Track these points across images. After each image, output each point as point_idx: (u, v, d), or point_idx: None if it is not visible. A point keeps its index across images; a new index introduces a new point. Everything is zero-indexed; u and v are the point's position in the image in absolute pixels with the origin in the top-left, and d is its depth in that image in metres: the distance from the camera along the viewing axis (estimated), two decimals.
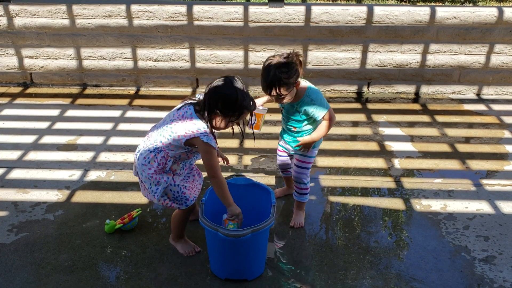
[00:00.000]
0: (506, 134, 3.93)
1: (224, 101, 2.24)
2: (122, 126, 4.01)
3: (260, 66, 4.53)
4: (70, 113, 4.24)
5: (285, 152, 2.87)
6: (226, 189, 2.34)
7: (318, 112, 2.55)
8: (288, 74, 2.39)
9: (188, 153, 2.41)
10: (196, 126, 2.27)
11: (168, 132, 2.34)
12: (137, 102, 4.46)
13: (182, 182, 2.47)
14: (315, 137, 2.64)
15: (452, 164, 3.50)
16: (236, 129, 2.44)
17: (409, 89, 4.66)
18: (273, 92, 2.42)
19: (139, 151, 2.44)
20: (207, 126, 2.28)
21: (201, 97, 2.37)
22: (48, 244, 2.67)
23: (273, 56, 2.45)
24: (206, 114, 2.28)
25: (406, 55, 4.49)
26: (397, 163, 3.50)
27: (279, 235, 2.78)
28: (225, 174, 3.28)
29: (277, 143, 2.93)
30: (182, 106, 2.40)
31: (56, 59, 4.65)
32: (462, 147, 3.73)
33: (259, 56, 4.51)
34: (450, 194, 3.14)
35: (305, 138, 2.66)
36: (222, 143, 3.74)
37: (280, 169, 3.01)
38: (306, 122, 2.64)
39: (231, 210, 2.35)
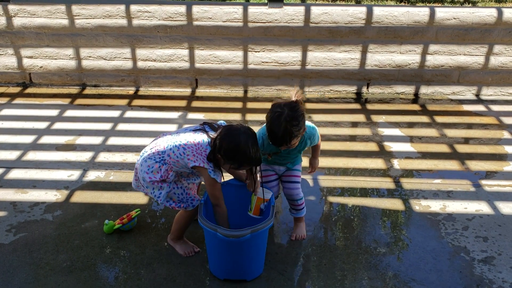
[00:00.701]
0: (505, 134, 3.93)
1: (226, 148, 2.26)
2: (121, 126, 4.00)
3: (259, 67, 4.59)
4: (69, 113, 4.23)
5: (275, 175, 2.74)
6: (226, 218, 2.43)
7: (316, 140, 2.69)
8: (298, 127, 2.34)
9: (190, 173, 2.47)
10: (207, 160, 2.32)
11: (180, 151, 2.35)
12: (136, 102, 4.46)
13: (185, 184, 2.49)
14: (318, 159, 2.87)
15: (451, 165, 3.50)
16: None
17: (409, 89, 4.66)
18: (284, 146, 2.39)
19: (144, 157, 2.44)
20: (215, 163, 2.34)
21: (222, 125, 2.44)
22: (47, 244, 2.66)
23: (280, 107, 2.35)
24: (211, 154, 2.31)
25: (406, 56, 4.49)
26: (396, 163, 3.50)
27: (278, 236, 2.77)
28: (225, 174, 3.29)
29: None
30: (201, 129, 2.41)
31: (55, 59, 4.64)
32: (461, 148, 3.73)
33: (259, 57, 4.51)
34: (449, 195, 3.14)
35: (316, 166, 2.87)
36: None
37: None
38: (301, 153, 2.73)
39: None
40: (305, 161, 3.39)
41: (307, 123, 2.57)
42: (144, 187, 2.47)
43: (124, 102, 4.45)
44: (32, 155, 3.55)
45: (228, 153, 2.26)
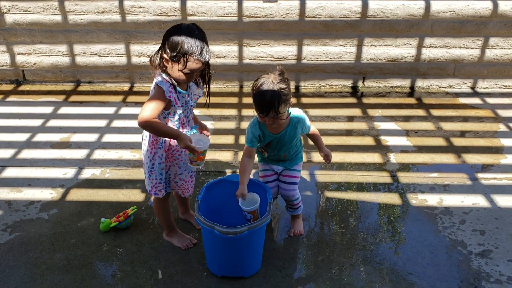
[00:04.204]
0: (501, 127, 3.94)
1: (169, 39, 2.15)
2: (116, 123, 3.98)
3: (255, 62, 4.56)
4: (64, 110, 4.20)
5: (275, 174, 2.68)
6: (158, 126, 2.19)
7: (307, 125, 2.57)
8: (286, 91, 2.31)
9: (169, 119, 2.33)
10: (159, 76, 2.25)
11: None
12: (131, 98, 4.43)
13: (173, 171, 2.43)
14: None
15: (448, 158, 3.50)
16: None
17: (404, 83, 4.65)
18: (271, 113, 2.31)
19: None
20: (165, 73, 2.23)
21: None
22: (43, 243, 2.65)
23: (267, 74, 2.36)
24: (159, 55, 2.21)
25: (401, 49, 4.47)
26: (393, 157, 3.50)
27: (275, 232, 2.77)
28: (222, 171, 3.28)
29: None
30: None
31: (49, 55, 4.60)
32: (457, 141, 3.73)
33: (254, 51, 4.48)
34: (446, 188, 3.14)
35: (329, 155, 2.69)
36: (217, 139, 3.72)
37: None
38: (297, 144, 2.62)
39: (180, 142, 2.21)
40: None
41: (293, 110, 2.53)
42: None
43: (119, 98, 4.42)
44: (26, 153, 3.52)
45: (172, 44, 2.14)
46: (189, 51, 2.14)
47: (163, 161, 2.38)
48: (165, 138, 2.33)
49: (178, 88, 2.27)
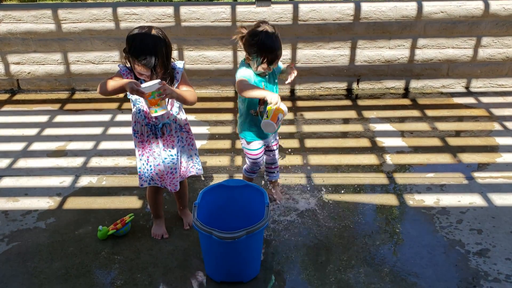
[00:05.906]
0: (495, 126, 3.96)
1: (127, 38, 2.27)
2: (112, 130, 3.98)
3: None
4: (59, 118, 4.19)
5: (265, 147, 2.88)
6: (106, 84, 2.36)
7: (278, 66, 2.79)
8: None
9: (134, 106, 2.56)
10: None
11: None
12: (126, 105, 4.42)
13: (151, 158, 2.56)
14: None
15: (444, 158, 3.51)
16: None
17: (399, 84, 4.67)
18: (277, 59, 2.59)
19: None
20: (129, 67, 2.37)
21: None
22: (41, 252, 2.64)
23: (262, 27, 2.57)
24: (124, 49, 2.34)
25: (395, 51, 4.50)
26: (389, 158, 3.51)
27: (274, 235, 2.77)
28: (219, 176, 3.28)
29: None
30: None
31: (43, 64, 4.60)
32: (453, 141, 3.74)
33: None
34: (442, 188, 3.15)
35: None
36: (213, 144, 3.73)
37: (266, 170, 3.01)
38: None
39: (128, 88, 2.25)
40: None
41: None
42: None
43: (114, 105, 4.41)
44: (23, 163, 3.52)
45: (126, 43, 2.26)
46: (133, 55, 2.24)
47: (139, 148, 2.57)
48: (137, 128, 2.55)
49: (141, 79, 2.38)
